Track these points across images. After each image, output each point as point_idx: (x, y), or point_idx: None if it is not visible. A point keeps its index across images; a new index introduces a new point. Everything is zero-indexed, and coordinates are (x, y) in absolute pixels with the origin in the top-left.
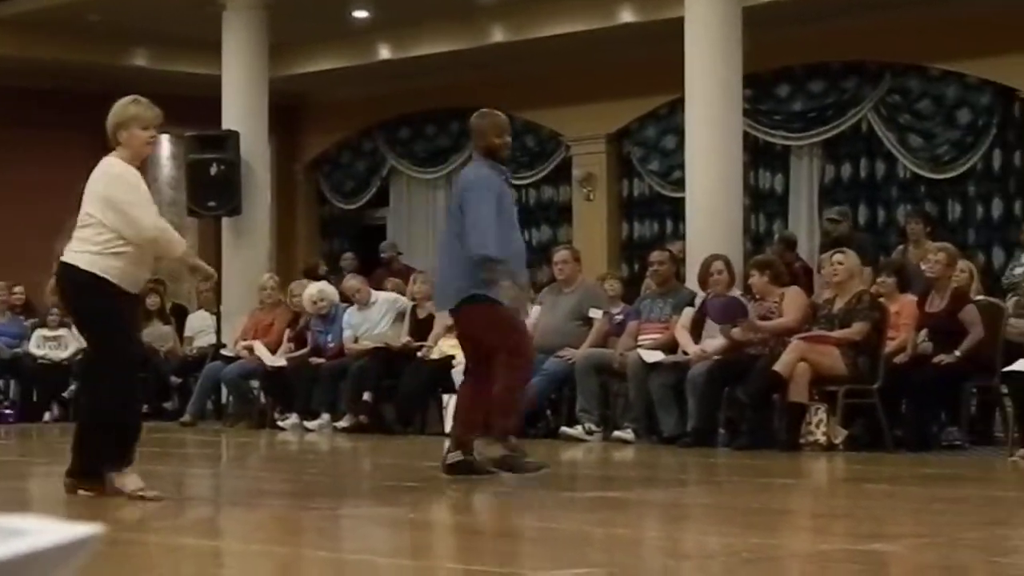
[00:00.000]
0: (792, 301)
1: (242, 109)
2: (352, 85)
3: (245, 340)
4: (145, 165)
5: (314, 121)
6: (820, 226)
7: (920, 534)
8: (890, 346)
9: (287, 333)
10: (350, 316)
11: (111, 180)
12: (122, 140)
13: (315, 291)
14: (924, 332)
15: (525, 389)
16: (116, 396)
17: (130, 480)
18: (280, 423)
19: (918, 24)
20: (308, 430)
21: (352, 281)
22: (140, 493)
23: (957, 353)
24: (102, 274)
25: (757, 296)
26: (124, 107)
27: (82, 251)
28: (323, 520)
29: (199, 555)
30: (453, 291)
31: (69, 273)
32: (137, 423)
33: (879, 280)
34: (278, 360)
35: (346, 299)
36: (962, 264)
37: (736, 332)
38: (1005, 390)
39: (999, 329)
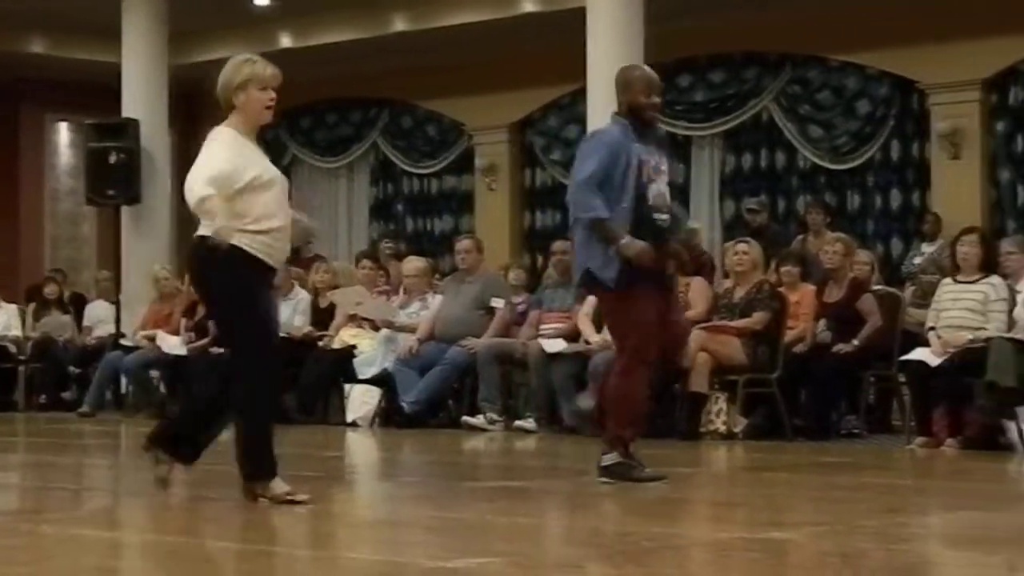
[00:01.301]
0: (698, 292)
1: (142, 97)
2: None
3: (145, 330)
4: (43, 152)
5: (215, 109)
6: (722, 216)
7: (818, 522)
8: (790, 335)
9: (184, 322)
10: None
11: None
12: (238, 104)
13: None
14: (823, 322)
15: (643, 395)
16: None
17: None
18: None
19: (818, 15)
20: None
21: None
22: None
23: (855, 342)
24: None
25: None
26: (237, 67)
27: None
28: (222, 510)
29: (97, 546)
30: (575, 267)
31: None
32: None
33: (783, 270)
34: (178, 348)
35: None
36: (864, 255)
37: None
38: (903, 379)
39: (897, 318)
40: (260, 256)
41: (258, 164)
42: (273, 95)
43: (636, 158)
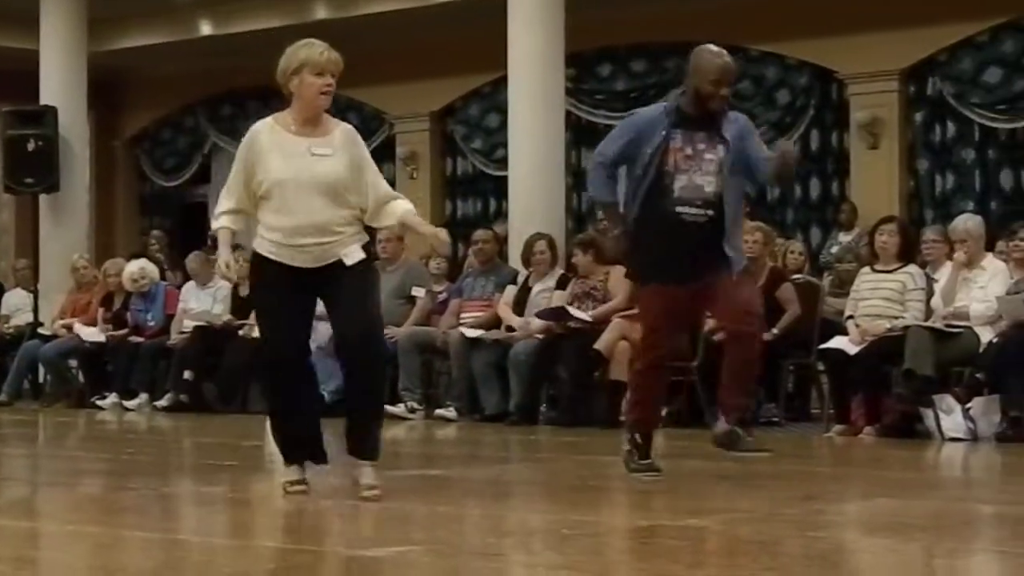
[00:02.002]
0: (619, 281)
1: (60, 84)
2: (173, 61)
3: (63, 319)
4: None
5: (134, 97)
6: None
7: (737, 509)
8: (709, 324)
9: (100, 312)
10: (186, 293)
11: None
12: (293, 90)
13: (136, 268)
14: None
15: (648, 391)
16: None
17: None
18: (99, 403)
19: (739, 5)
20: (127, 409)
21: (192, 262)
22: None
23: (775, 331)
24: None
25: (581, 274)
26: (293, 52)
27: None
28: (142, 500)
29: (15, 536)
30: None
31: None
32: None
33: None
34: (97, 337)
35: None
36: (797, 246)
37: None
38: (821, 367)
39: (816, 307)
40: (273, 258)
41: (271, 166)
42: (330, 80)
43: (664, 144)
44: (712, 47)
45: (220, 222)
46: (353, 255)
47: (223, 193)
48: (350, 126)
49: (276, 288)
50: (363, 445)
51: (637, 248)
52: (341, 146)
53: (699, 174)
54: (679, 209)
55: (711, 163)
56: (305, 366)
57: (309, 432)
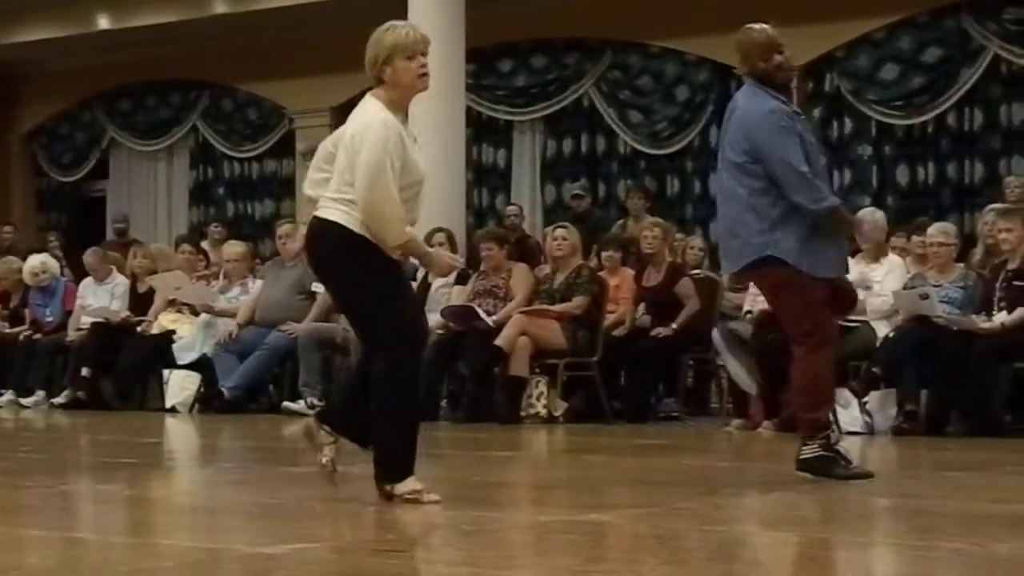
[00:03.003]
0: (520, 279)
1: None
2: (71, 55)
3: None
4: None
5: (31, 91)
6: (543, 201)
7: (637, 504)
8: (610, 319)
9: None
10: (84, 290)
11: (357, 128)
12: (387, 79)
13: (37, 263)
14: (643, 306)
15: (830, 374)
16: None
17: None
18: None
19: (639, 2)
20: (24, 407)
21: (90, 258)
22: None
23: (674, 326)
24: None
25: (483, 270)
26: (379, 40)
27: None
28: (38, 498)
29: None
30: (736, 253)
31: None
32: None
33: (604, 255)
34: None
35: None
36: (697, 241)
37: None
38: (720, 362)
39: (715, 302)
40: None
41: (415, 162)
42: (424, 61)
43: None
44: (746, 26)
45: (401, 234)
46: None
47: (384, 198)
48: None
49: (398, 279)
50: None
51: (807, 240)
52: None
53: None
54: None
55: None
56: None
57: None
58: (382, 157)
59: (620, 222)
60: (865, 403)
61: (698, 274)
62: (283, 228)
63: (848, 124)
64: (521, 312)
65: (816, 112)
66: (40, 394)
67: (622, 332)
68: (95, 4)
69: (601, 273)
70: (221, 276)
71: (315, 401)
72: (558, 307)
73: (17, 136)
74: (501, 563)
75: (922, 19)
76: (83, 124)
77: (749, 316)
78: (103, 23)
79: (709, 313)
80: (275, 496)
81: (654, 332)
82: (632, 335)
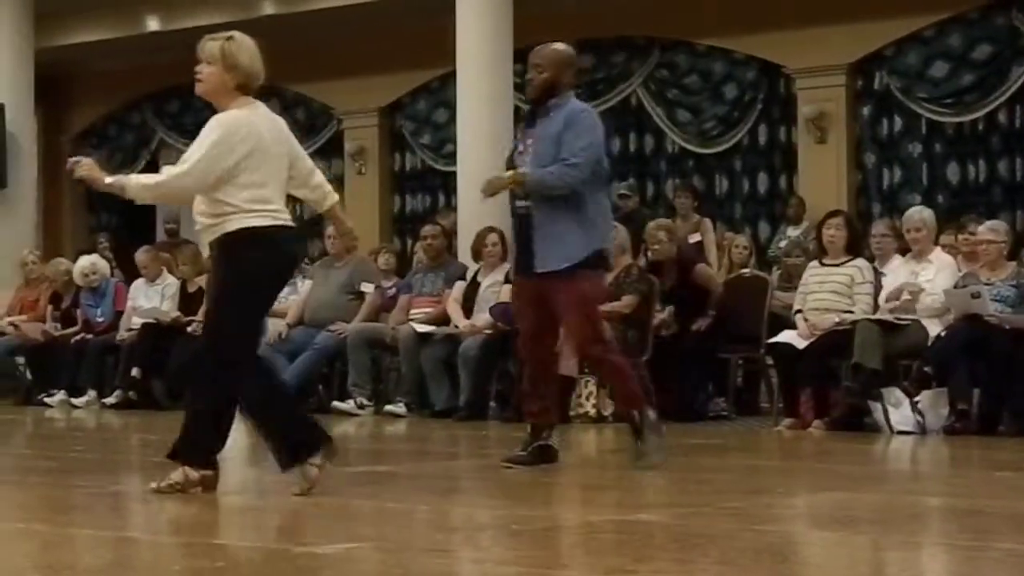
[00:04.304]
0: None
1: (7, 81)
2: (120, 57)
3: (11, 316)
4: None
5: (81, 93)
6: None
7: (685, 504)
8: (657, 319)
9: (49, 309)
10: (135, 290)
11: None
12: None
13: (87, 264)
14: (670, 310)
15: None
16: None
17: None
18: (46, 400)
19: (686, 0)
20: (75, 407)
21: (141, 257)
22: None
23: (711, 311)
24: None
25: None
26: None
27: None
28: (90, 498)
29: None
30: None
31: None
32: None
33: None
34: (41, 333)
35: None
36: (742, 239)
37: None
38: (770, 361)
39: (764, 301)
40: None
41: None
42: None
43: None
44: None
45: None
46: None
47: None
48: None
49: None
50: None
51: None
52: None
53: (523, 167)
54: (515, 203)
55: (525, 156)
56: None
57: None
58: None
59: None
60: (917, 402)
61: (745, 273)
62: (331, 228)
63: (898, 122)
64: None
65: (865, 111)
66: (91, 394)
67: (666, 331)
68: (144, 6)
69: (649, 273)
70: None
71: (364, 401)
72: (607, 306)
73: (67, 137)
74: (549, 563)
75: (972, 16)
76: (132, 125)
77: (800, 315)
78: (152, 25)
79: (759, 313)
80: (324, 495)
81: (695, 327)
82: (679, 334)
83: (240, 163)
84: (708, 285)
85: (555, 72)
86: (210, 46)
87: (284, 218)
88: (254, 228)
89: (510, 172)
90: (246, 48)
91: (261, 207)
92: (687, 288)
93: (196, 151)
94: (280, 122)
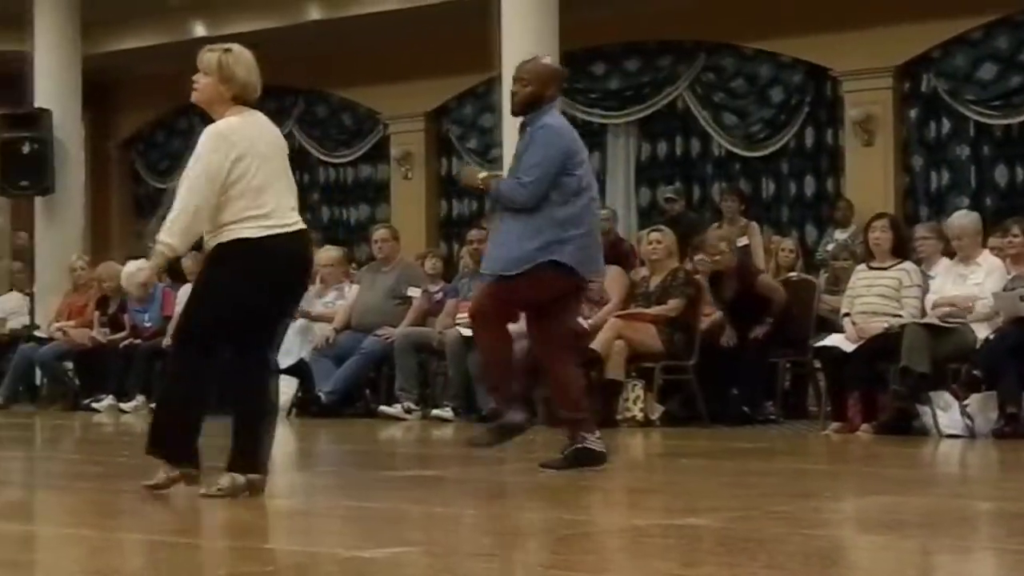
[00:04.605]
0: (614, 282)
1: (55, 87)
2: (167, 62)
3: (59, 321)
4: None
5: (128, 99)
6: (637, 204)
7: (734, 508)
8: (705, 323)
9: (96, 315)
10: (183, 295)
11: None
12: None
13: (134, 269)
14: (727, 320)
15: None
16: None
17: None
18: (94, 405)
19: (732, 3)
20: (123, 412)
21: (189, 261)
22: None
23: (769, 320)
24: None
25: None
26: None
27: None
28: (138, 502)
29: (11, 539)
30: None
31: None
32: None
33: (696, 258)
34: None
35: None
36: (788, 243)
37: None
38: (817, 365)
39: (812, 305)
40: None
41: None
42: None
43: None
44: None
45: None
46: None
47: None
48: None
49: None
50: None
51: None
52: None
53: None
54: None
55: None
56: None
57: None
58: None
59: (715, 225)
60: (966, 406)
61: (792, 276)
62: (379, 232)
63: (946, 124)
64: (617, 316)
65: (913, 113)
66: (139, 399)
67: (728, 342)
68: (191, 12)
69: (696, 276)
70: (317, 281)
71: (411, 405)
72: (654, 310)
73: (115, 143)
74: (596, 567)
75: (1019, 18)
76: (179, 131)
77: (847, 318)
78: (199, 31)
79: (806, 316)
80: (372, 500)
81: (753, 335)
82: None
83: (233, 167)
84: (771, 295)
85: (539, 86)
86: (208, 57)
87: (283, 224)
88: (244, 239)
89: (485, 174)
90: (243, 61)
91: (256, 212)
92: (748, 297)
93: (193, 167)
94: (277, 132)
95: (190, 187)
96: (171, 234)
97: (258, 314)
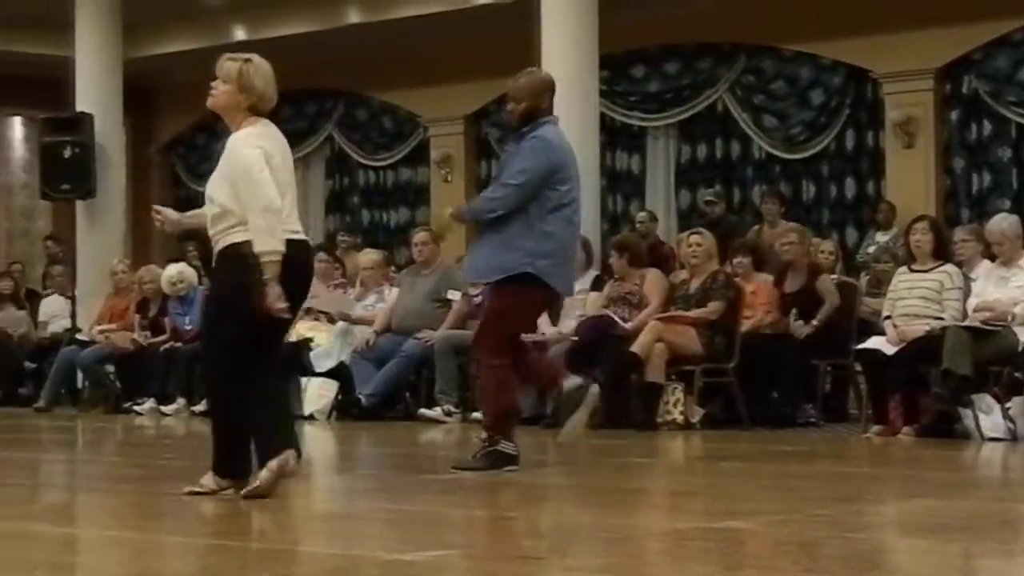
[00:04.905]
0: (654, 285)
1: (96, 91)
2: (208, 66)
3: (101, 325)
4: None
5: (169, 103)
6: (677, 206)
7: (774, 511)
8: (745, 325)
9: (137, 318)
10: None
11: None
12: None
13: (174, 272)
14: (794, 312)
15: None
16: None
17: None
18: (136, 408)
19: (772, 5)
20: (164, 414)
21: None
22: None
23: (815, 322)
24: None
25: (617, 277)
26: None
27: None
28: (179, 504)
29: (53, 542)
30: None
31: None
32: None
33: (735, 261)
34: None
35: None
36: (828, 245)
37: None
38: (859, 368)
39: (853, 307)
40: None
41: None
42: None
43: None
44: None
45: None
46: None
47: None
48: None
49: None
50: None
51: None
52: None
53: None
54: None
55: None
56: None
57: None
58: None
59: (755, 227)
60: (1008, 409)
61: (833, 279)
62: (419, 236)
63: (987, 126)
64: (657, 318)
65: (954, 115)
66: (180, 402)
67: (799, 333)
68: (231, 16)
69: (736, 279)
70: (357, 284)
71: (451, 408)
72: (694, 313)
73: (156, 147)
74: (638, 570)
75: None
76: (219, 135)
77: (889, 321)
78: (239, 34)
79: (847, 319)
80: (412, 503)
81: (796, 332)
82: (767, 339)
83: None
84: (826, 297)
85: (533, 100)
86: (228, 66)
87: (295, 231)
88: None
89: (449, 209)
90: (262, 72)
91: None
92: (806, 294)
93: (248, 173)
94: (287, 143)
95: (256, 192)
96: (269, 242)
97: (271, 317)
